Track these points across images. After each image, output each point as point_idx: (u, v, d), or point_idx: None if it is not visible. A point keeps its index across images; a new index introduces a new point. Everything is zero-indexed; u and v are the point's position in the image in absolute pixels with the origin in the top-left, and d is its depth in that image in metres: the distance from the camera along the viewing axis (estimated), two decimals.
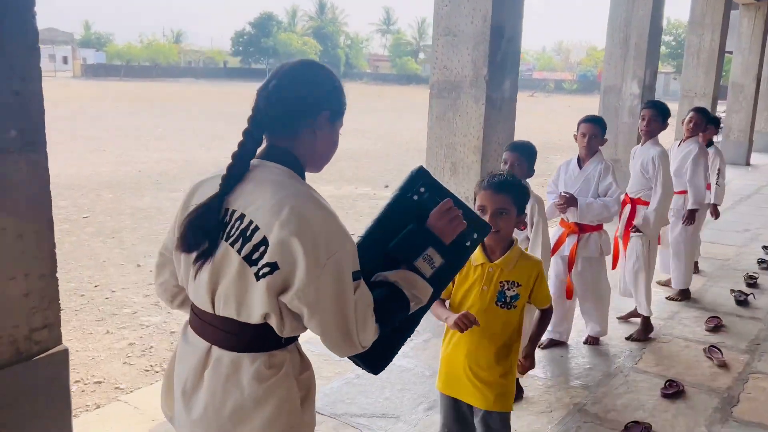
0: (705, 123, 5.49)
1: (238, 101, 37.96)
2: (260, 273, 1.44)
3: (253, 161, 1.55)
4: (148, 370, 4.49)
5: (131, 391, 3.98)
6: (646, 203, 4.45)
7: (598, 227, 4.06)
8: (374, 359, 1.76)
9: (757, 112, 14.41)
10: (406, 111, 34.28)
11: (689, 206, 5.17)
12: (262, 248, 1.43)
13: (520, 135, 4.81)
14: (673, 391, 3.50)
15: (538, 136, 19.36)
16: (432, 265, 1.68)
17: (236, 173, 1.52)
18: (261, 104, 1.55)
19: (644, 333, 4.39)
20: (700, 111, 5.46)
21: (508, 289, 2.43)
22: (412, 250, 1.68)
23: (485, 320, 2.39)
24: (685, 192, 5.21)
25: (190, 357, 1.60)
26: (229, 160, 1.53)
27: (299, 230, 1.41)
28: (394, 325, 1.63)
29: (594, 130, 3.96)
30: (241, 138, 1.54)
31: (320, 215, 1.45)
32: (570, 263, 4.03)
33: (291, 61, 1.61)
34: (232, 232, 1.48)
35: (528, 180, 3.40)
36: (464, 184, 4.95)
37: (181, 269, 1.60)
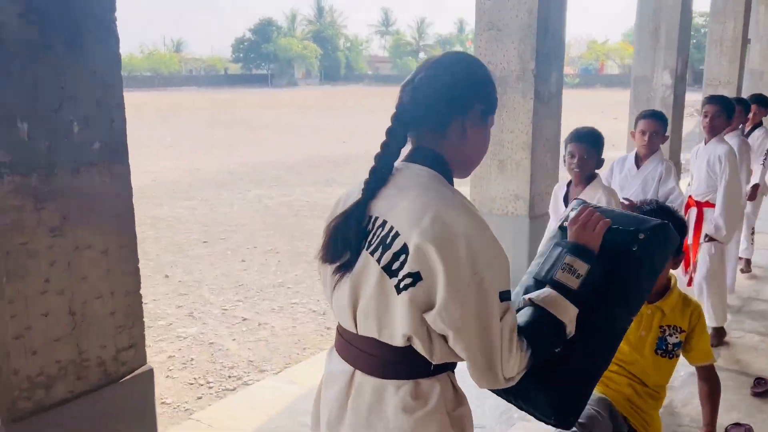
0: (744, 112, 5.32)
1: (242, 107, 37.93)
2: (401, 285, 1.29)
3: (397, 164, 1.43)
4: (192, 383, 4.40)
5: (187, 409, 3.90)
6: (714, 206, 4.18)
7: None
8: (563, 407, 1.49)
9: None
10: None
11: None
12: (402, 257, 1.29)
13: None
14: (764, 389, 3.36)
15: None
16: (575, 273, 1.45)
17: (379, 177, 1.41)
18: (406, 100, 1.41)
19: (717, 339, 4.13)
20: (737, 102, 5.14)
21: (670, 335, 2.17)
22: (552, 265, 1.49)
23: (640, 370, 2.15)
24: None
25: (335, 383, 1.46)
26: (372, 163, 1.42)
27: (443, 239, 1.26)
28: (544, 354, 1.40)
29: (655, 126, 3.66)
30: (384, 138, 1.41)
31: (468, 224, 1.29)
32: None
33: (438, 54, 1.47)
34: (373, 240, 1.36)
35: (597, 171, 3.22)
36: (513, 182, 4.84)
37: (325, 282, 1.48)
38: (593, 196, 2.97)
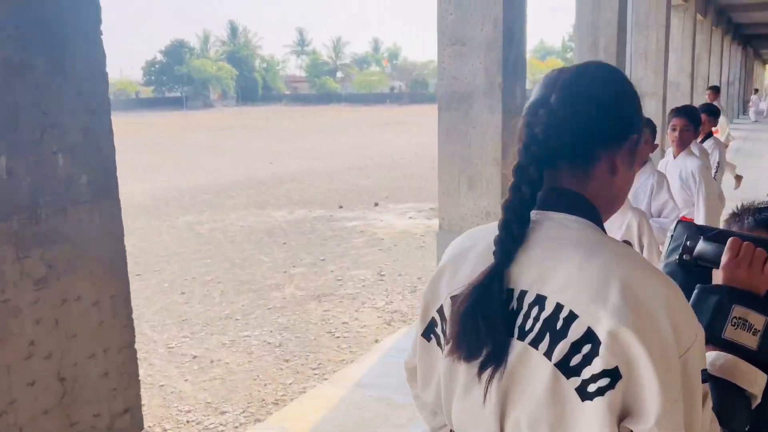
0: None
1: (158, 131, 36.86)
2: (591, 388, 0.95)
3: (532, 214, 1.09)
4: None
5: None
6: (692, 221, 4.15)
7: None
8: None
9: None
10: (334, 129, 34.14)
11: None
12: (586, 347, 0.95)
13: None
14: None
15: None
16: (751, 329, 1.20)
17: (516, 233, 1.05)
18: (538, 129, 1.06)
19: None
20: (703, 111, 5.24)
21: None
22: (712, 318, 1.23)
23: None
24: None
25: None
26: (501, 214, 1.07)
27: (643, 319, 0.95)
28: None
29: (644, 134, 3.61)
30: (512, 179, 1.07)
31: (664, 291, 0.98)
32: None
33: (571, 66, 1.14)
34: (529, 325, 1.01)
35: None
36: (484, 199, 4.71)
37: (440, 379, 1.12)
38: (623, 218, 2.79)
